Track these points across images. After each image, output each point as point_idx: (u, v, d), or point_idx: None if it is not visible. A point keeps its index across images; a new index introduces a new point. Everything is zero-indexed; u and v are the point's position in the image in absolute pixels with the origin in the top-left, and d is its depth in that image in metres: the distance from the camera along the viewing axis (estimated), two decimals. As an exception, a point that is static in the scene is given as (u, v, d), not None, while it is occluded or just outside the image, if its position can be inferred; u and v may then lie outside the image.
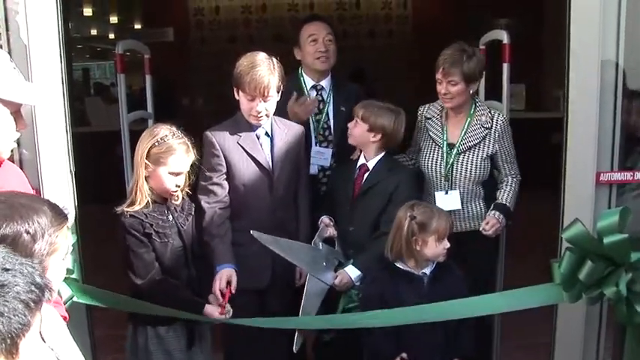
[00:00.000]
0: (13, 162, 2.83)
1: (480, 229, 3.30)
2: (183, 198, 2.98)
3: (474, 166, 3.33)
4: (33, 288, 1.39)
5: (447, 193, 3.35)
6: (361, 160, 3.32)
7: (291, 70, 3.44)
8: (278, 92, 3.10)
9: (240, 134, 3.14)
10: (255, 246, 3.12)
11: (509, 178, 3.41)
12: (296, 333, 3.04)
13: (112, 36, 12.80)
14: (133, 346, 2.94)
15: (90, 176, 3.80)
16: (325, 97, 3.66)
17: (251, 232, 2.98)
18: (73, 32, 11.13)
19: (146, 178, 2.84)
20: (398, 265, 2.94)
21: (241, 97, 3.09)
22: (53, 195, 3.06)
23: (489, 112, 3.38)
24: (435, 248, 2.87)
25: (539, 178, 4.91)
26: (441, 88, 3.29)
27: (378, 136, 3.23)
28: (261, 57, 3.07)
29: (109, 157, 5.37)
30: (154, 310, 2.84)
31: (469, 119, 3.36)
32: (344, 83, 3.86)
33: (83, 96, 10.24)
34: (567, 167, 3.23)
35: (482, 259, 3.42)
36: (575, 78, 3.16)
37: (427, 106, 3.51)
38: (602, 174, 3.22)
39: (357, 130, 3.26)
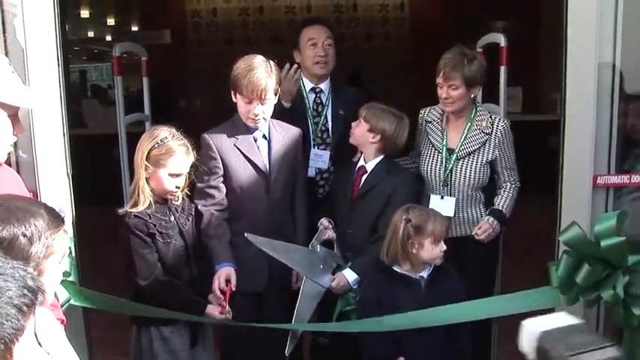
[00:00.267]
0: (9, 165, 2.82)
1: (473, 233, 3.28)
2: (183, 198, 2.99)
3: (473, 172, 3.30)
4: (25, 292, 1.38)
5: (442, 198, 3.33)
6: (360, 162, 3.33)
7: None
8: (275, 95, 3.10)
9: (237, 137, 3.14)
10: (252, 248, 3.12)
11: (508, 184, 3.37)
12: (289, 336, 3.03)
13: (109, 38, 12.79)
14: (137, 347, 2.94)
15: (87, 179, 3.80)
16: (324, 100, 3.65)
17: (246, 234, 2.98)
18: (70, 34, 11.09)
19: (147, 179, 2.85)
20: (395, 268, 2.93)
21: (239, 100, 3.09)
22: (50, 198, 3.06)
23: (490, 117, 3.35)
24: (432, 251, 2.87)
25: (536, 180, 4.92)
26: (441, 93, 3.27)
27: (377, 138, 3.23)
28: (259, 60, 3.07)
29: (107, 160, 5.36)
30: (152, 312, 2.84)
31: (469, 124, 3.34)
32: (343, 87, 3.86)
33: (80, 98, 10.24)
34: (564, 170, 3.23)
35: (480, 264, 3.39)
36: (572, 81, 3.17)
37: (428, 109, 3.49)
38: (599, 177, 3.23)
39: (359, 130, 3.27)
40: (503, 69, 3.72)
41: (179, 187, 2.88)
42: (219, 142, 3.12)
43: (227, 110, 3.25)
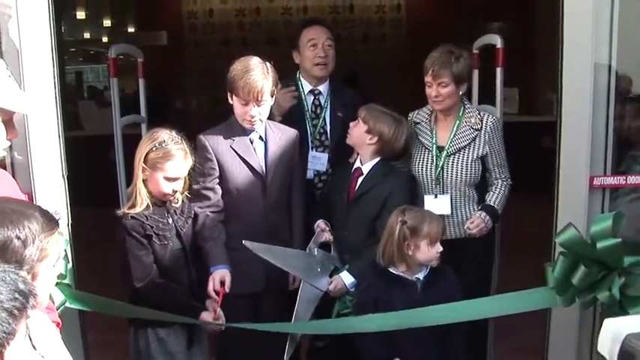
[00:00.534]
0: (4, 167, 2.82)
1: (465, 227, 3.28)
2: (183, 201, 2.98)
3: (464, 167, 3.30)
4: (17, 295, 1.38)
5: (436, 197, 3.32)
6: (356, 164, 3.32)
7: (284, 74, 3.42)
8: (272, 97, 3.10)
9: (233, 138, 3.13)
10: (248, 251, 3.12)
11: (499, 181, 3.37)
12: (287, 342, 3.02)
13: (105, 39, 12.78)
14: (135, 349, 2.94)
15: (83, 180, 3.79)
16: (323, 102, 3.64)
17: (243, 242, 2.96)
18: (66, 35, 11.10)
19: (144, 181, 2.84)
20: (391, 270, 2.92)
21: (235, 102, 3.09)
22: (46, 199, 3.05)
23: (479, 113, 3.36)
24: (428, 252, 2.86)
25: (532, 181, 4.93)
26: (431, 91, 3.28)
27: (375, 140, 3.23)
28: (255, 61, 3.07)
29: (102, 162, 5.35)
30: (148, 314, 2.83)
31: (458, 121, 3.34)
32: (342, 88, 3.84)
33: (76, 100, 10.22)
34: (561, 171, 3.23)
35: (476, 266, 3.38)
36: (568, 82, 3.17)
37: (416, 111, 3.49)
38: (595, 178, 3.23)
39: (357, 131, 3.26)
40: (499, 70, 3.73)
41: (176, 191, 2.87)
42: (215, 143, 3.12)
43: (223, 111, 3.25)
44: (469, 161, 3.30)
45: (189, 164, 2.87)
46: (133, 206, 2.84)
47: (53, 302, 2.58)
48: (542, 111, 8.36)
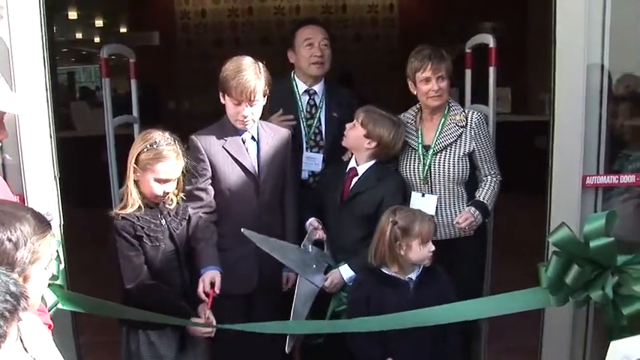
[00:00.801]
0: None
1: (454, 222, 3.24)
2: (178, 203, 2.96)
3: (451, 165, 3.27)
4: (8, 297, 1.37)
5: (423, 196, 3.31)
6: (351, 164, 3.31)
7: (278, 74, 3.41)
8: (264, 96, 3.09)
9: (225, 138, 3.13)
10: (241, 251, 3.13)
11: (489, 177, 3.34)
12: (288, 335, 3.02)
13: (97, 40, 12.75)
14: (127, 351, 2.93)
15: (75, 181, 3.77)
16: (318, 102, 3.63)
17: (242, 230, 2.97)
18: (57, 36, 11.07)
19: (136, 182, 2.83)
20: (383, 270, 2.92)
21: (227, 102, 3.08)
22: (37, 201, 3.04)
23: (463, 111, 3.36)
24: (420, 252, 2.86)
25: (525, 180, 4.94)
26: (430, 87, 3.25)
27: (374, 144, 3.22)
28: (247, 61, 3.06)
29: (95, 162, 5.33)
30: (140, 315, 2.82)
31: (443, 119, 3.33)
32: (337, 88, 3.83)
33: (68, 100, 10.18)
34: (554, 170, 3.24)
35: (468, 266, 3.36)
36: (561, 81, 3.18)
37: (403, 113, 3.47)
38: (588, 177, 3.23)
39: (354, 133, 3.25)
40: (492, 70, 3.73)
41: (167, 193, 2.86)
42: (208, 143, 3.11)
43: (216, 111, 3.24)
44: (456, 158, 3.28)
45: (181, 166, 2.86)
46: (125, 207, 2.83)
47: (45, 304, 2.57)
48: (534, 110, 8.38)
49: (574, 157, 3.21)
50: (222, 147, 3.12)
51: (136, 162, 2.81)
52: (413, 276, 2.91)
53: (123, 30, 11.14)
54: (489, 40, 3.76)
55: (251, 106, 3.04)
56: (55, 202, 3.18)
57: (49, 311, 2.55)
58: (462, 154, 3.29)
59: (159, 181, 2.81)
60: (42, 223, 1.80)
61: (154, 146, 2.79)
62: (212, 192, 3.13)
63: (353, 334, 2.89)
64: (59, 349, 1.96)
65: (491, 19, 8.59)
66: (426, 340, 2.86)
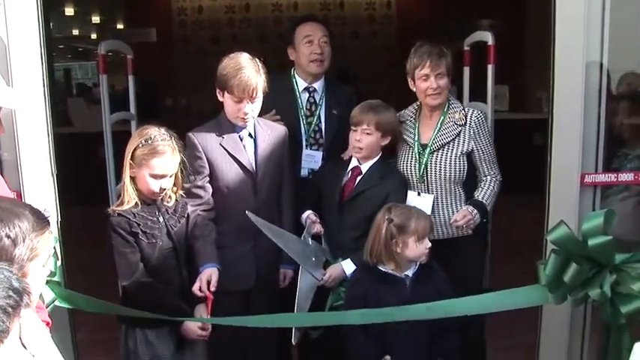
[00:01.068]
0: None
1: (451, 221, 3.15)
2: (176, 200, 2.95)
3: (448, 164, 3.22)
4: (10, 293, 1.37)
5: (419, 194, 3.27)
6: (354, 163, 3.29)
7: (275, 71, 3.39)
8: (264, 93, 3.09)
9: (223, 136, 3.12)
10: (239, 248, 3.13)
11: (488, 177, 3.27)
12: (294, 327, 3.02)
13: (94, 36, 12.74)
14: (125, 349, 2.92)
15: (72, 178, 3.77)
16: (318, 99, 3.61)
17: (247, 212, 2.97)
18: (54, 32, 11.05)
19: (133, 178, 2.82)
20: (380, 267, 2.92)
21: (227, 100, 3.07)
22: (35, 197, 3.03)
23: (463, 109, 3.30)
24: (416, 249, 2.85)
25: (522, 178, 4.93)
26: (429, 84, 3.20)
27: (388, 139, 3.24)
28: (246, 58, 3.06)
29: (92, 159, 5.33)
30: (137, 313, 2.81)
31: (442, 117, 3.28)
32: (337, 85, 3.81)
33: (65, 97, 10.17)
34: (552, 169, 3.24)
35: (468, 267, 3.31)
36: (560, 79, 3.17)
37: (403, 111, 3.44)
38: (586, 175, 3.23)
39: (371, 139, 3.21)
40: (490, 67, 3.73)
41: (164, 189, 2.84)
42: (205, 141, 3.10)
43: (214, 108, 3.23)
44: (453, 158, 3.22)
45: (177, 162, 2.85)
46: (122, 204, 2.82)
47: (43, 301, 2.56)
48: (532, 108, 8.39)
49: (572, 155, 3.20)
50: (220, 144, 3.11)
51: (132, 158, 2.80)
52: (409, 273, 2.91)
53: (120, 26, 11.11)
54: (488, 38, 3.76)
55: (252, 103, 3.04)
56: (52, 199, 3.16)
57: (46, 308, 2.55)
58: (459, 153, 3.23)
59: (155, 176, 2.80)
60: (40, 220, 1.80)
61: (150, 142, 2.78)
62: (210, 190, 3.13)
63: (352, 332, 2.89)
64: (57, 346, 1.95)
65: (489, 17, 8.59)
66: (423, 337, 2.86)
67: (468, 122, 3.25)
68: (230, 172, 3.12)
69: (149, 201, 2.87)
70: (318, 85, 3.61)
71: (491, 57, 3.72)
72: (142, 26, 9.69)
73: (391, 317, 2.77)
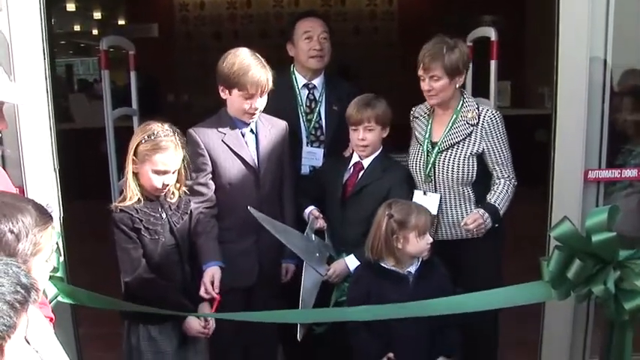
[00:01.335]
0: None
1: (462, 224, 3.06)
2: (180, 196, 2.94)
3: (456, 165, 3.11)
4: (19, 289, 1.37)
5: (425, 194, 3.20)
6: (355, 158, 3.28)
7: (277, 67, 3.38)
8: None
9: (224, 132, 3.11)
10: (242, 244, 3.13)
11: (502, 180, 3.14)
12: (298, 324, 3.01)
13: (95, 32, 12.72)
14: (127, 345, 2.92)
15: (74, 173, 3.77)
16: (317, 96, 3.58)
17: (249, 208, 2.96)
18: (56, 28, 11.03)
19: (136, 174, 2.82)
20: (382, 264, 2.91)
21: (235, 96, 3.05)
22: (37, 193, 3.03)
23: (477, 108, 3.16)
24: (418, 244, 2.84)
25: (524, 174, 4.92)
26: (424, 85, 3.12)
27: (388, 129, 3.24)
28: (249, 54, 3.06)
29: (94, 154, 5.33)
30: (140, 308, 2.81)
31: (455, 116, 3.16)
32: (337, 81, 3.76)
33: (67, 93, 10.17)
34: (555, 165, 3.24)
35: (479, 269, 3.16)
36: (563, 76, 3.17)
37: (419, 106, 3.36)
38: (590, 171, 3.23)
39: (374, 135, 3.21)
40: (493, 63, 3.72)
41: (167, 185, 2.84)
42: (207, 138, 3.09)
43: (216, 104, 3.22)
44: (462, 158, 3.12)
45: (180, 157, 2.84)
46: (124, 199, 2.82)
47: (46, 297, 2.56)
48: (534, 104, 8.38)
49: (576, 151, 3.20)
50: (222, 141, 3.09)
51: (135, 153, 2.80)
52: (412, 269, 2.90)
53: (121, 22, 11.09)
54: (491, 34, 3.75)
55: (262, 97, 3.04)
56: (54, 195, 3.17)
57: (49, 303, 2.55)
58: (468, 154, 3.12)
59: (157, 172, 2.79)
60: (43, 215, 1.80)
61: (152, 137, 2.78)
62: (213, 186, 3.11)
63: (355, 329, 2.88)
64: (59, 340, 1.95)
65: (490, 13, 8.57)
66: (425, 334, 2.85)
67: (481, 122, 3.12)
68: (233, 169, 3.11)
69: (152, 197, 2.86)
70: (317, 81, 3.58)
71: (494, 53, 3.71)
72: (143, 22, 9.68)
73: (395, 314, 2.77)
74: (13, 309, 1.34)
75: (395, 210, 2.85)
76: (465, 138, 3.14)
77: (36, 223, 1.74)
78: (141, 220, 2.80)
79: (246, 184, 3.13)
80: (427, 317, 2.76)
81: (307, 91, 3.58)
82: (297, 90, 3.57)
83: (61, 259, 3.00)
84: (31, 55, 3.05)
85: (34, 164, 3.11)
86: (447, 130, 3.18)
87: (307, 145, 3.53)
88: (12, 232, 1.68)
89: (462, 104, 3.19)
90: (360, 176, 3.24)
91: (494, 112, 3.19)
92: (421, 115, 3.32)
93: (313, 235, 3.20)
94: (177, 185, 2.91)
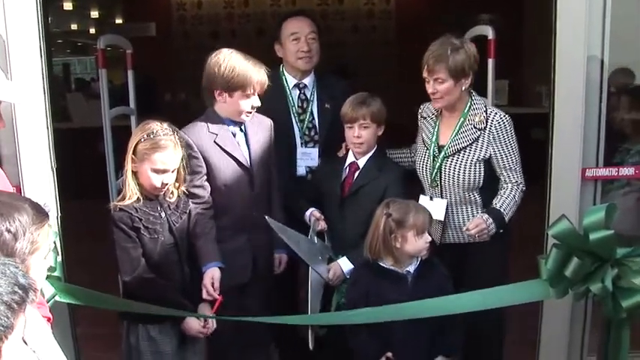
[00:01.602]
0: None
1: (464, 229, 3.03)
2: (179, 196, 2.94)
3: (463, 171, 3.06)
4: (16, 289, 1.36)
5: (431, 199, 3.16)
6: (350, 158, 3.28)
7: (273, 66, 3.36)
8: None
9: (215, 133, 3.07)
10: (236, 243, 3.12)
11: (509, 185, 3.08)
12: (309, 331, 3.01)
13: (92, 31, 12.71)
14: (127, 345, 2.92)
15: (72, 172, 3.76)
16: (309, 95, 3.54)
17: (266, 217, 2.98)
18: (53, 27, 11.02)
19: (135, 173, 2.81)
20: (380, 263, 2.91)
21: (236, 97, 3.02)
22: (34, 192, 3.03)
23: (486, 111, 3.09)
24: (416, 243, 2.83)
25: (523, 173, 4.92)
26: (428, 87, 3.05)
27: (382, 128, 3.23)
28: (242, 55, 3.05)
29: (91, 154, 5.32)
30: (138, 308, 2.81)
31: (462, 119, 3.10)
32: (328, 78, 3.71)
33: (64, 92, 10.16)
34: (553, 163, 3.24)
35: (486, 274, 3.09)
36: (561, 74, 3.17)
37: (426, 104, 3.28)
38: (587, 170, 3.23)
39: (369, 133, 3.19)
40: (490, 62, 3.71)
41: (166, 184, 2.83)
42: (199, 140, 3.04)
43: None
44: (469, 164, 3.06)
45: (179, 156, 2.83)
46: (123, 199, 2.81)
47: (43, 296, 2.55)
48: (531, 103, 8.38)
49: (573, 149, 3.20)
50: (214, 142, 3.06)
51: (134, 152, 2.80)
52: (411, 269, 2.90)
53: (119, 21, 11.09)
54: (488, 32, 3.74)
55: (257, 95, 3.05)
56: (52, 194, 3.16)
57: (47, 303, 2.54)
58: (475, 159, 3.07)
59: (156, 171, 2.79)
60: (40, 213, 1.79)
61: (152, 136, 2.78)
62: (209, 188, 3.09)
63: (355, 331, 2.88)
64: (56, 340, 1.95)
65: (488, 12, 8.58)
66: (424, 334, 2.85)
67: (488, 126, 3.06)
68: (227, 170, 3.09)
69: (151, 196, 2.86)
70: (308, 80, 3.54)
71: (492, 51, 3.70)
72: (141, 21, 9.68)
73: (395, 316, 2.77)
74: (10, 309, 1.34)
75: (393, 209, 2.84)
76: (472, 143, 3.08)
77: (33, 221, 1.73)
78: (140, 219, 2.80)
79: (240, 183, 3.12)
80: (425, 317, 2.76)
81: (298, 91, 3.55)
82: (287, 91, 3.52)
83: (59, 258, 3.00)
84: (28, 54, 3.05)
85: (31, 163, 3.10)
86: (454, 134, 3.11)
87: (302, 146, 3.51)
88: (9, 231, 1.68)
89: (470, 107, 3.12)
90: (356, 176, 3.24)
91: (502, 115, 3.11)
92: (429, 116, 3.25)
93: (315, 238, 3.21)
94: (177, 184, 2.91)
